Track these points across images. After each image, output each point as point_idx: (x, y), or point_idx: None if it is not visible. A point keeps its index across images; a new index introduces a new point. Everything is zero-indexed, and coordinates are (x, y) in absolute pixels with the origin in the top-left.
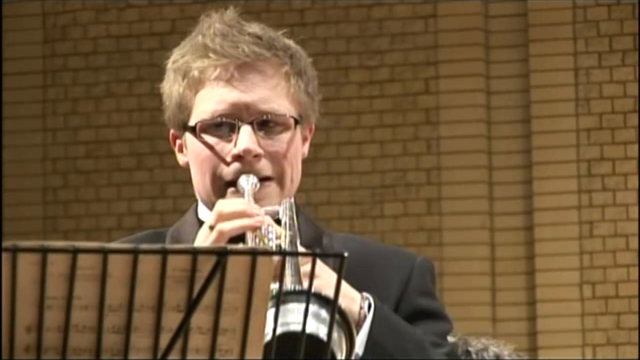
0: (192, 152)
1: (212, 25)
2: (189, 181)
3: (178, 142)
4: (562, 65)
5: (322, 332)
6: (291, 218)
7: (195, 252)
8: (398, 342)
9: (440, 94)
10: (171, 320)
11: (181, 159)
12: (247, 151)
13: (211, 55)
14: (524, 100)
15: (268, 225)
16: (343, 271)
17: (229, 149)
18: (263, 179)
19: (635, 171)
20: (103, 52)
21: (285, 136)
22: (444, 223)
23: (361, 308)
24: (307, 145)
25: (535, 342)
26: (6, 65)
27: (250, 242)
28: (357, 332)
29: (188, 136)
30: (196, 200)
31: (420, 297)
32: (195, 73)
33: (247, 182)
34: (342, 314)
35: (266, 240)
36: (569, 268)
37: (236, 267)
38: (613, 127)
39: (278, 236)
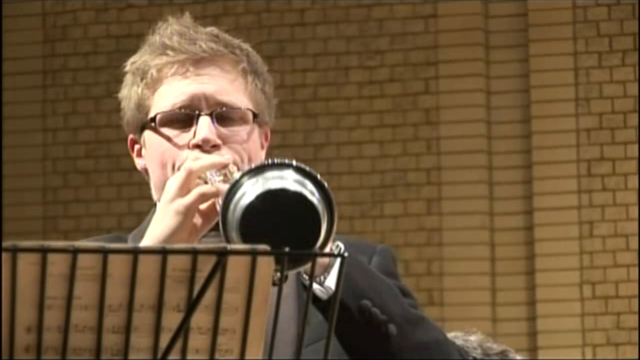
0: (151, 148)
1: (170, 26)
2: None
3: (136, 146)
4: (562, 65)
5: (307, 193)
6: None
7: (196, 252)
8: (370, 281)
9: (440, 94)
10: (171, 320)
11: (139, 163)
12: (205, 140)
13: (169, 52)
14: (524, 100)
15: (234, 169)
16: (343, 271)
17: (188, 140)
18: (222, 168)
19: (635, 171)
20: (103, 52)
21: (244, 129)
22: (444, 223)
23: (331, 250)
24: (264, 153)
25: (535, 342)
26: (6, 65)
27: (215, 179)
28: (329, 272)
29: (147, 133)
30: (154, 205)
31: (384, 276)
32: (154, 72)
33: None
34: (323, 189)
35: (235, 175)
36: (569, 268)
37: (236, 267)
38: (613, 127)
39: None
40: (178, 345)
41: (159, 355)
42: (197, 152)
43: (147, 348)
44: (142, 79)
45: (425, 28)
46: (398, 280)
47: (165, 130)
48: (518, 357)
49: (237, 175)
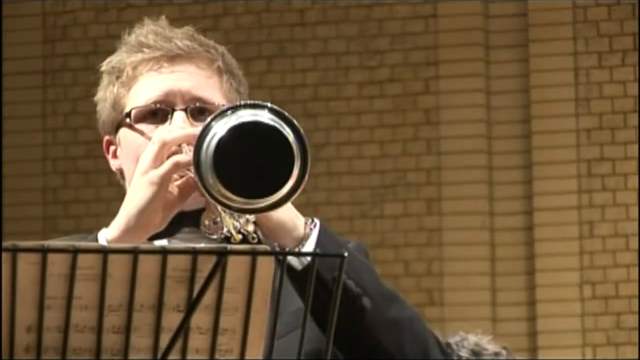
0: (127, 144)
1: (146, 26)
2: None
3: (112, 148)
4: (562, 65)
5: (281, 128)
6: None
7: (196, 252)
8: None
9: (440, 94)
10: (171, 320)
11: (114, 164)
12: None
13: (145, 49)
14: (524, 100)
15: None
16: (343, 271)
17: None
18: None
19: (635, 171)
20: (103, 52)
21: None
22: (444, 223)
23: (306, 223)
24: None
25: (535, 342)
26: (6, 65)
27: (189, 152)
28: (304, 244)
29: (122, 131)
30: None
31: None
32: (129, 70)
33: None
34: (299, 132)
35: (207, 119)
36: (569, 268)
37: (236, 267)
38: (613, 127)
39: None
40: (178, 345)
41: (159, 355)
42: (169, 126)
43: (147, 348)
44: (117, 78)
45: (425, 28)
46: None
47: (140, 126)
48: (514, 358)
49: (209, 118)
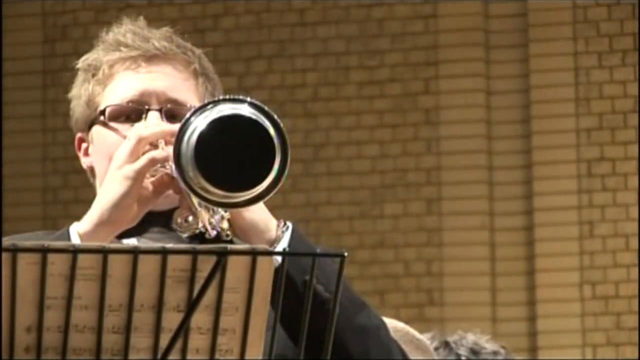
0: (99, 141)
1: (124, 26)
2: None
3: (84, 145)
4: (562, 65)
5: (261, 121)
6: None
7: (196, 252)
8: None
9: (440, 94)
10: (171, 320)
11: (85, 162)
12: None
13: (122, 48)
14: (524, 100)
15: None
16: (342, 271)
17: None
18: (172, 136)
19: (635, 171)
20: None
21: None
22: (444, 223)
23: (279, 225)
24: None
25: (535, 342)
26: (6, 65)
27: (162, 147)
28: (275, 247)
29: (95, 128)
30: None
31: None
32: (106, 68)
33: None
34: (279, 127)
35: (186, 114)
36: (569, 268)
37: (236, 267)
38: (613, 127)
39: None
40: (178, 345)
41: (159, 356)
42: (145, 122)
43: (147, 348)
44: (93, 76)
45: (425, 28)
46: None
47: (114, 124)
48: (512, 358)
49: (189, 112)
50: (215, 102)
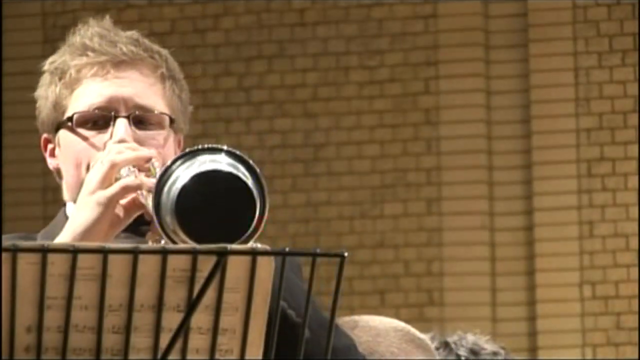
0: (66, 147)
1: (90, 28)
2: None
3: (50, 146)
4: (562, 65)
5: (240, 174)
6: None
7: (196, 252)
8: (286, 282)
9: (440, 94)
10: (171, 320)
11: (52, 163)
12: (122, 142)
13: (89, 53)
14: (524, 100)
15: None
16: (342, 271)
17: (105, 141)
18: (146, 162)
19: (635, 171)
20: None
21: (161, 133)
22: (444, 223)
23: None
24: None
25: (535, 342)
26: (6, 65)
27: (129, 173)
28: None
29: (62, 133)
30: (64, 204)
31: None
32: (73, 72)
33: (126, 170)
34: (256, 174)
35: (167, 162)
36: (569, 268)
37: (236, 267)
38: (613, 127)
39: None
40: (178, 345)
41: (159, 355)
42: (119, 146)
43: (147, 348)
44: (60, 79)
45: (425, 28)
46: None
47: (81, 131)
48: (512, 358)
49: (169, 161)
50: (193, 153)
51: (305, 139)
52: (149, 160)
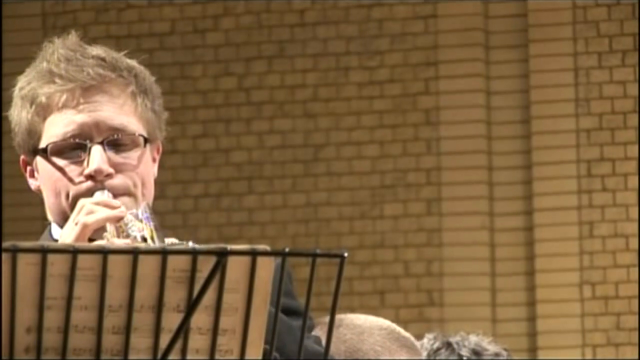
0: (44, 175)
1: (56, 51)
2: (191, 181)
3: (29, 168)
4: (562, 65)
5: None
6: (151, 214)
7: (195, 253)
8: (271, 322)
9: (440, 95)
10: (171, 320)
11: (33, 183)
12: (98, 171)
13: (57, 80)
14: (524, 101)
15: (130, 220)
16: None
17: (81, 170)
18: (116, 196)
19: (635, 171)
20: None
21: (135, 153)
22: (444, 223)
23: None
24: (156, 166)
25: (535, 343)
26: (6, 65)
27: (110, 235)
28: None
29: (39, 160)
30: (49, 223)
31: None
32: (43, 99)
33: (103, 196)
34: None
35: (130, 232)
36: (569, 268)
37: (236, 268)
38: (613, 127)
39: (140, 229)
40: (178, 345)
41: (159, 356)
42: (91, 205)
43: (147, 348)
44: (31, 105)
45: (425, 28)
46: (295, 299)
47: (57, 160)
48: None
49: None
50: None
51: (305, 139)
52: (120, 219)
